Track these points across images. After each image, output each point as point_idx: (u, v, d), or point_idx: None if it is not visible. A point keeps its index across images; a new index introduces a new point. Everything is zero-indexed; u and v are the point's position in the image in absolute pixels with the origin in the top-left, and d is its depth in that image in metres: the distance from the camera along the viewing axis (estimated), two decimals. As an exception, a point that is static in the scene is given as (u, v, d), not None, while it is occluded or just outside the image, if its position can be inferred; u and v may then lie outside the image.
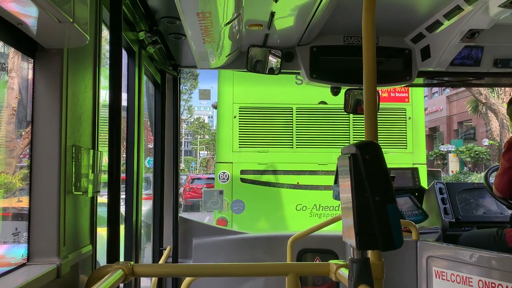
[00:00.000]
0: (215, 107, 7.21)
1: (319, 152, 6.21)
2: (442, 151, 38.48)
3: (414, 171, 3.90)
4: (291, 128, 6.22)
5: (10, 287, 1.19)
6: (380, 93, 3.71)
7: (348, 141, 6.18)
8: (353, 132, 6.25)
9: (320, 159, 6.18)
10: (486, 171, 3.40)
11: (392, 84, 3.68)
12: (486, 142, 32.06)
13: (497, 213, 3.54)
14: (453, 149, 36.56)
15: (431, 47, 3.17)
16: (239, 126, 6.22)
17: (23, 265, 1.41)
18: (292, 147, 6.21)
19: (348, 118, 6.21)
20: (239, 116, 6.21)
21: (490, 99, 20.01)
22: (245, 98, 6.25)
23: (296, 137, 6.23)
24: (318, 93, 6.02)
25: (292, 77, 6.03)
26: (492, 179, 3.21)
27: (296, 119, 6.21)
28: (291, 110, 6.21)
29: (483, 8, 2.56)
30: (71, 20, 1.21)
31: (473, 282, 2.43)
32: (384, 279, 1.49)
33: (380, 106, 6.26)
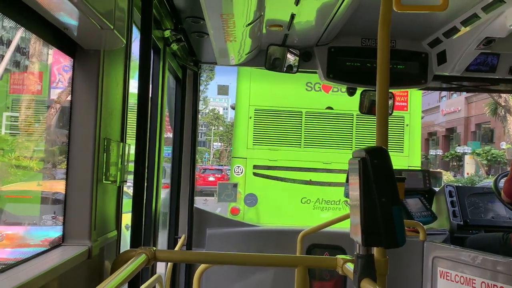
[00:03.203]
0: (233, 108, 7.82)
1: (324, 152, 6.83)
2: (458, 152, 37.95)
3: (425, 173, 3.96)
4: (300, 129, 6.88)
5: (48, 265, 1.32)
6: (394, 96, 3.77)
7: (351, 144, 6.84)
8: (356, 135, 6.80)
9: (325, 159, 6.80)
10: (495, 176, 3.44)
11: (407, 87, 3.73)
12: (504, 145, 31.53)
13: (506, 218, 3.59)
14: (469, 151, 36.06)
15: (447, 52, 3.21)
16: (254, 126, 6.90)
17: (58, 245, 1.55)
18: (300, 147, 6.86)
19: (351, 123, 6.81)
20: (254, 117, 6.90)
21: (509, 102, 19.72)
22: (260, 101, 6.90)
23: (304, 138, 6.90)
24: (326, 99, 6.80)
25: (303, 83, 6.74)
26: (501, 184, 3.26)
27: (305, 122, 6.89)
28: (300, 113, 6.88)
29: (501, 17, 2.60)
30: (112, 27, 1.33)
31: (476, 284, 2.51)
32: (390, 277, 1.59)
33: None
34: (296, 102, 6.88)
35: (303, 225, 6.37)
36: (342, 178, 6.42)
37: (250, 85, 6.93)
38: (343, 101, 6.69)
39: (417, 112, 7.06)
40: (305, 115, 6.86)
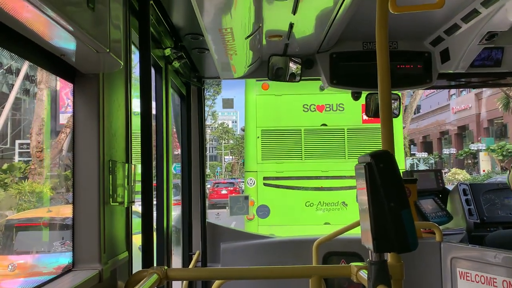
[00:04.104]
0: (243, 130, 9.67)
1: (321, 163, 8.15)
2: (473, 150, 37.48)
3: (438, 173, 3.91)
4: (300, 144, 8.23)
5: None
6: (401, 96, 3.74)
7: (344, 153, 8.14)
8: (348, 147, 8.12)
9: (323, 168, 8.10)
10: (510, 171, 3.37)
11: (413, 87, 3.70)
12: (519, 139, 31.06)
13: None
14: (484, 148, 35.59)
15: (450, 50, 3.19)
16: (262, 144, 8.27)
17: (69, 271, 1.55)
18: (302, 159, 8.20)
19: (343, 136, 8.15)
20: (261, 136, 8.30)
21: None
22: (265, 123, 8.30)
23: (304, 151, 8.22)
24: (320, 118, 8.23)
25: (300, 106, 8.21)
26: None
27: (304, 138, 8.24)
28: (300, 131, 8.25)
29: (501, 10, 2.58)
30: (108, 51, 1.34)
31: (498, 283, 2.45)
32: (409, 281, 1.56)
33: (366, 126, 7.78)
34: (295, 122, 8.24)
35: (310, 223, 7.72)
36: (338, 183, 7.96)
37: (256, 110, 8.33)
38: (335, 118, 8.18)
39: (398, 122, 8.36)
40: (304, 132, 8.25)
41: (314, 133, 8.23)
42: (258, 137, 8.25)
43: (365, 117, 7.83)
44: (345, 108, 8.02)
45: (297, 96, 8.11)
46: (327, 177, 8.01)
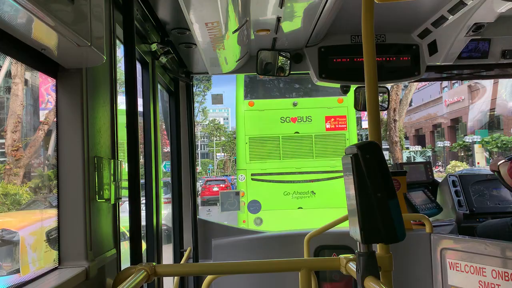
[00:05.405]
0: (235, 138, 11.65)
1: (295, 161, 10.44)
2: (467, 142, 37.63)
3: (427, 165, 3.93)
4: (279, 148, 10.52)
5: None
6: (389, 90, 3.75)
7: (312, 155, 10.41)
8: (315, 149, 10.35)
9: (296, 165, 10.42)
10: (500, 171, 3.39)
11: (401, 80, 3.71)
12: (515, 130, 31.18)
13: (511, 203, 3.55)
14: (478, 140, 35.72)
15: (437, 42, 3.20)
16: (249, 148, 10.56)
17: (55, 268, 1.53)
18: (280, 159, 10.49)
19: (311, 141, 10.44)
20: (249, 142, 10.59)
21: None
22: (252, 132, 10.57)
23: (282, 153, 10.50)
24: (294, 127, 10.49)
25: (278, 118, 10.51)
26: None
27: (282, 142, 10.53)
28: (278, 137, 10.54)
29: (487, 1, 2.59)
30: (89, 44, 1.32)
31: (487, 272, 2.47)
32: (400, 272, 1.56)
33: (327, 133, 10.40)
34: (275, 130, 10.54)
35: (287, 208, 10.01)
36: (308, 177, 10.25)
37: (245, 122, 10.62)
38: (305, 127, 10.48)
39: (353, 129, 10.70)
40: (281, 138, 10.54)
41: (289, 139, 10.56)
42: (246, 143, 10.58)
43: (327, 126, 10.36)
44: (312, 119, 10.43)
45: (276, 110, 10.57)
46: (299, 173, 10.41)
